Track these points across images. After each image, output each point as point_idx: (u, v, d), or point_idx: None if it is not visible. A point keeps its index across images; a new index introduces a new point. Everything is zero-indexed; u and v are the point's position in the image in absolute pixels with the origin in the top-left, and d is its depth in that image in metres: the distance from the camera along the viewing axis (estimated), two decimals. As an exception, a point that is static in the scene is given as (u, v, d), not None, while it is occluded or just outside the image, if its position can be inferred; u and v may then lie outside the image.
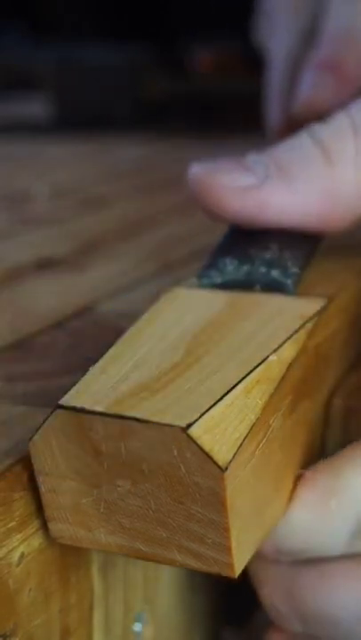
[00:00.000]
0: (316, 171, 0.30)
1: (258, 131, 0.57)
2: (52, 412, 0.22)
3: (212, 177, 0.30)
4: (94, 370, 0.23)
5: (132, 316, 0.27)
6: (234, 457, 0.21)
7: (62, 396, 0.22)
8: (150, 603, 0.29)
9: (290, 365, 0.25)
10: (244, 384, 0.23)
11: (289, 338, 0.25)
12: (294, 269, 0.29)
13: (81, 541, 0.23)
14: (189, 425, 0.21)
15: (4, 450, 0.23)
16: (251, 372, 0.23)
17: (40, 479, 0.22)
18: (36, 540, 0.23)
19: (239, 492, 0.22)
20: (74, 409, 0.21)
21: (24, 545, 0.23)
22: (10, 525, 0.22)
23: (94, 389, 0.22)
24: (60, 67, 0.98)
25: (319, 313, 0.27)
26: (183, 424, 0.21)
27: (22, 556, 0.22)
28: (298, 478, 0.26)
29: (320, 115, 0.33)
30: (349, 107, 0.32)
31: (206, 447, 0.21)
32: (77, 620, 0.25)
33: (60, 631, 0.25)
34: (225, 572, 0.22)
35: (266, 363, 0.24)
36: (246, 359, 0.24)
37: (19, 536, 0.22)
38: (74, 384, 0.23)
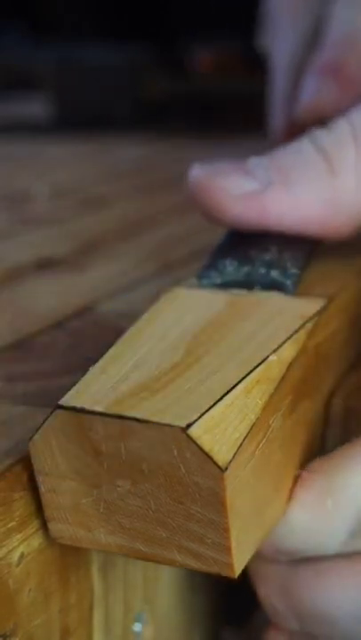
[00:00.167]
0: (318, 178, 0.30)
1: (258, 131, 0.57)
2: (51, 412, 0.22)
3: (212, 180, 0.30)
4: (94, 370, 0.23)
5: (132, 316, 0.27)
6: (234, 457, 0.21)
7: (62, 396, 0.22)
8: (150, 603, 0.29)
9: (290, 365, 0.25)
10: (244, 384, 0.23)
11: (289, 338, 0.25)
12: (294, 270, 0.29)
13: (81, 541, 0.23)
14: (189, 425, 0.21)
15: (4, 450, 0.23)
16: (251, 372, 0.23)
17: (40, 479, 0.22)
18: (36, 540, 0.23)
19: (239, 492, 0.22)
20: (74, 409, 0.21)
21: (24, 545, 0.23)
22: (10, 525, 0.22)
23: (94, 389, 0.22)
24: (60, 67, 0.98)
25: (319, 313, 0.27)
26: (183, 424, 0.21)
27: (22, 556, 0.22)
28: (296, 479, 0.26)
29: (323, 119, 0.33)
30: (350, 113, 0.32)
31: (206, 447, 0.21)
32: (77, 620, 0.25)
33: (59, 631, 0.25)
34: (225, 572, 0.22)
35: (266, 363, 0.24)
36: (246, 359, 0.24)
37: (18, 536, 0.22)
38: (74, 384, 0.23)
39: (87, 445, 0.22)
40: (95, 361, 0.24)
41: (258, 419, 0.22)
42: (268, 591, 0.28)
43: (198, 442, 0.21)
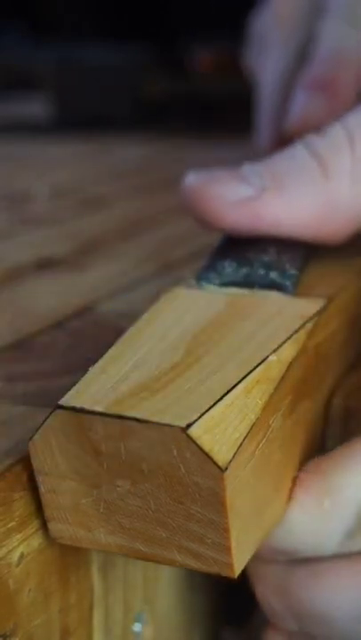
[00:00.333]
0: (313, 184, 0.30)
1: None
2: (51, 412, 0.22)
3: (206, 187, 0.30)
4: (94, 370, 0.23)
5: (132, 316, 0.27)
6: (234, 457, 0.21)
7: (62, 396, 0.22)
8: (150, 603, 0.29)
9: (290, 365, 0.25)
10: (244, 384, 0.23)
11: (289, 338, 0.25)
12: (293, 271, 0.29)
13: (81, 541, 0.23)
14: (189, 425, 0.21)
15: (4, 450, 0.23)
16: (251, 372, 0.23)
17: (40, 479, 0.22)
18: (36, 541, 0.23)
19: (239, 492, 0.22)
20: (73, 409, 0.21)
21: (24, 545, 0.23)
22: (10, 525, 0.22)
23: (94, 389, 0.22)
24: (60, 67, 0.98)
25: (319, 313, 0.27)
26: (183, 424, 0.21)
27: (22, 556, 0.22)
28: (295, 479, 0.26)
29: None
30: (345, 118, 0.32)
31: (206, 447, 0.21)
32: (77, 620, 0.25)
33: (59, 631, 0.25)
34: (225, 573, 0.22)
35: (266, 363, 0.24)
36: (246, 359, 0.24)
37: (18, 536, 0.22)
38: (74, 384, 0.23)
39: (87, 445, 0.22)
40: (95, 361, 0.24)
41: (258, 419, 0.22)
42: (265, 591, 0.28)
43: (198, 442, 0.21)
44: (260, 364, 0.24)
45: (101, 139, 0.87)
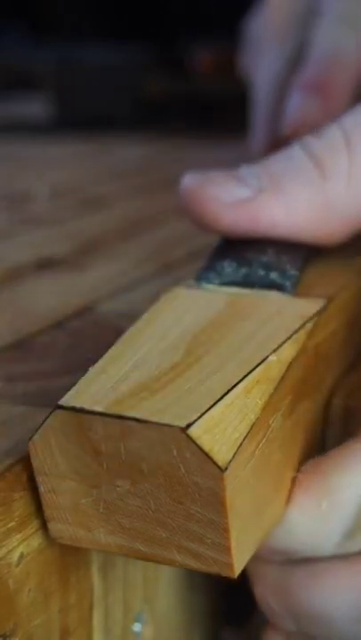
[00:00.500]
0: (310, 185, 0.30)
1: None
2: (51, 412, 0.22)
3: (203, 189, 0.30)
4: (94, 370, 0.23)
5: (132, 316, 0.27)
6: (234, 457, 0.21)
7: (62, 396, 0.22)
8: (150, 603, 0.29)
9: (290, 365, 0.25)
10: (244, 384, 0.23)
11: (289, 338, 0.25)
12: (293, 272, 0.29)
13: (80, 541, 0.23)
14: (189, 425, 0.21)
15: (4, 450, 0.23)
16: (251, 372, 0.23)
17: (39, 479, 0.22)
18: (36, 541, 0.23)
19: (239, 492, 0.22)
20: (73, 409, 0.21)
21: (24, 545, 0.23)
22: (9, 525, 0.22)
23: (94, 389, 0.22)
24: (60, 67, 0.98)
25: (319, 313, 0.27)
26: (183, 424, 0.21)
27: (22, 556, 0.22)
28: (294, 479, 0.26)
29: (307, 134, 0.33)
30: (342, 119, 0.32)
31: (206, 447, 0.21)
32: (77, 620, 0.25)
33: (59, 631, 0.25)
34: (224, 573, 0.22)
35: (266, 363, 0.24)
36: (246, 359, 0.24)
37: (18, 536, 0.22)
38: (74, 384, 0.23)
39: (87, 445, 0.22)
40: (95, 361, 0.24)
41: (258, 419, 0.22)
42: (264, 591, 0.28)
43: (198, 442, 0.21)
44: (260, 363, 0.24)
45: (101, 139, 0.87)
